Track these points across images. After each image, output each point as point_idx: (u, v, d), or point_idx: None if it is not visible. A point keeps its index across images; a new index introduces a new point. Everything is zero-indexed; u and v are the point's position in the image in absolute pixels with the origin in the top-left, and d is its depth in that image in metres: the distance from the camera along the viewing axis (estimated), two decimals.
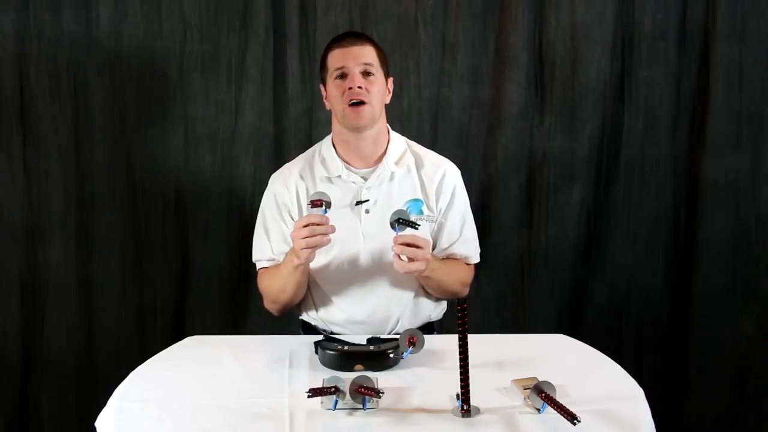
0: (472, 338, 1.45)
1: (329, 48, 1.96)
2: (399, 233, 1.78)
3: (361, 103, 1.88)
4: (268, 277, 1.97)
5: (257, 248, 2.01)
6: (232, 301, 2.60)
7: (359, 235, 1.93)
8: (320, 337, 1.79)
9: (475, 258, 2.07)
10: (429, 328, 2.01)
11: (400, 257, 1.78)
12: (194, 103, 2.51)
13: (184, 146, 2.53)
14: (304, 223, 1.74)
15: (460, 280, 2.01)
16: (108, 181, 2.51)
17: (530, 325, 2.61)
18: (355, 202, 1.94)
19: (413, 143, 2.06)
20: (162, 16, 2.46)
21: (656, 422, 1.45)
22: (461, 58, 2.53)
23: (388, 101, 1.99)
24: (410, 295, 1.97)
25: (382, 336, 1.80)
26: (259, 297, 2.06)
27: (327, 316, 1.98)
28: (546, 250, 2.61)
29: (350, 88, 1.88)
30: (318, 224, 1.73)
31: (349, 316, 1.96)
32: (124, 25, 2.45)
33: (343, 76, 1.90)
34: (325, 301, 1.98)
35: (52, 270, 2.53)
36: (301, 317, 2.06)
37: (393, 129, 2.03)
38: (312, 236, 1.73)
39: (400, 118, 2.49)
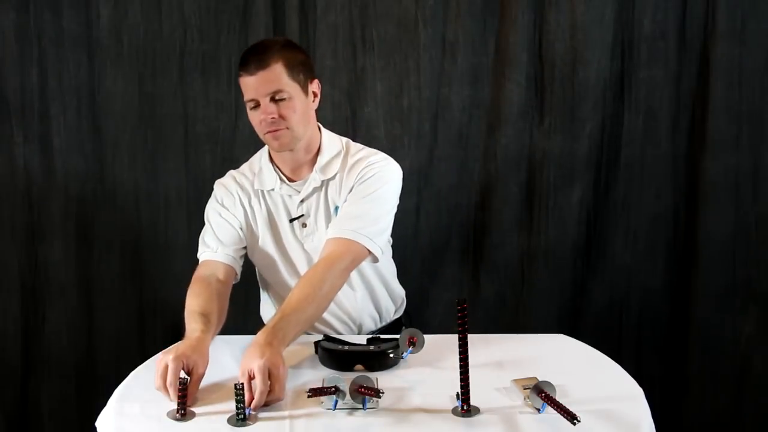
0: (472, 338, 1.45)
1: (239, 71, 1.79)
2: None
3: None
4: (191, 291, 1.86)
5: (200, 243, 1.93)
6: (232, 301, 2.59)
7: (301, 249, 1.89)
8: (320, 337, 1.79)
9: (354, 235, 1.77)
10: (397, 324, 2.00)
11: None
12: (194, 103, 2.51)
13: (184, 146, 2.53)
14: (171, 379, 1.49)
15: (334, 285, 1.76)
16: (108, 181, 2.51)
17: (530, 325, 2.61)
18: (289, 220, 1.89)
19: (354, 144, 1.94)
20: (162, 16, 2.46)
21: (656, 422, 1.45)
22: (461, 58, 2.53)
23: (315, 105, 1.87)
24: (365, 293, 1.94)
25: (382, 336, 1.80)
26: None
27: None
28: (546, 250, 2.61)
29: (263, 120, 1.79)
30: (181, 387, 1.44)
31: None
32: (124, 25, 2.45)
33: (256, 105, 1.80)
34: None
35: (52, 270, 2.53)
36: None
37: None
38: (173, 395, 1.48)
39: (400, 118, 2.49)
